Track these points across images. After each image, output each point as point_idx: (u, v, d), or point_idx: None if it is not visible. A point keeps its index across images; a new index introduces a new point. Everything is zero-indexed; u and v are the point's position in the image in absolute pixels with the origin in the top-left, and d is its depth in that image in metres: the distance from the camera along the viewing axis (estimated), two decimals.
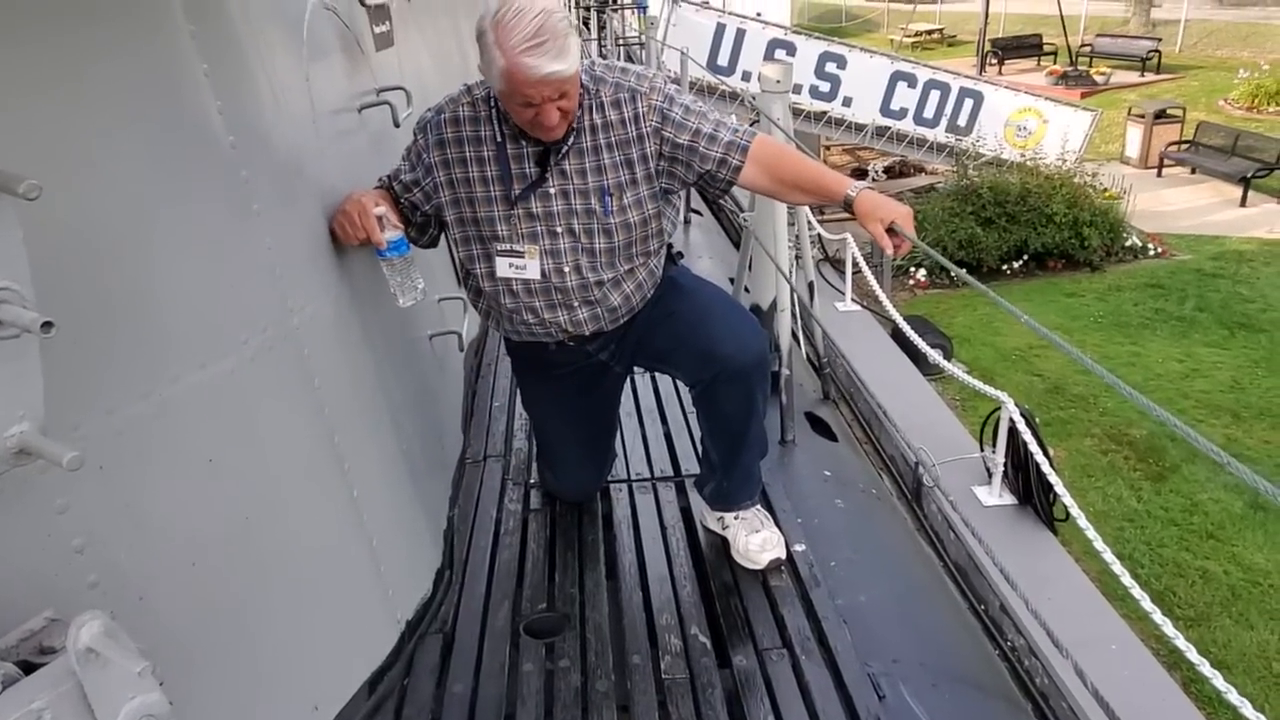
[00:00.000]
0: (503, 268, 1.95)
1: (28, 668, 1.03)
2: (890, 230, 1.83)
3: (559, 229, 1.90)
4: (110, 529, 1.29)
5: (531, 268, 1.93)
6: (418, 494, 2.12)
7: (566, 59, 1.69)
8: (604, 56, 12.03)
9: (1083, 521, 2.31)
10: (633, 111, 1.88)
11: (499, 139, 1.88)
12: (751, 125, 2.37)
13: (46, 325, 0.94)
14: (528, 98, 1.72)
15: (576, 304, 1.97)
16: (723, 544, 2.23)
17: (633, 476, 2.58)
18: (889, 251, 1.88)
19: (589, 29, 17.80)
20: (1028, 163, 11.79)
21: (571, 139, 1.86)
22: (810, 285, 3.74)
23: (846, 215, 1.95)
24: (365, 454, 1.85)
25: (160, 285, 1.37)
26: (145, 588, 1.34)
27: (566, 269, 1.93)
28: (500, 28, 1.66)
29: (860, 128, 13.54)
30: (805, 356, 3.44)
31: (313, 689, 1.66)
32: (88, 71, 1.26)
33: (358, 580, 1.80)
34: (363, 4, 2.41)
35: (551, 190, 1.88)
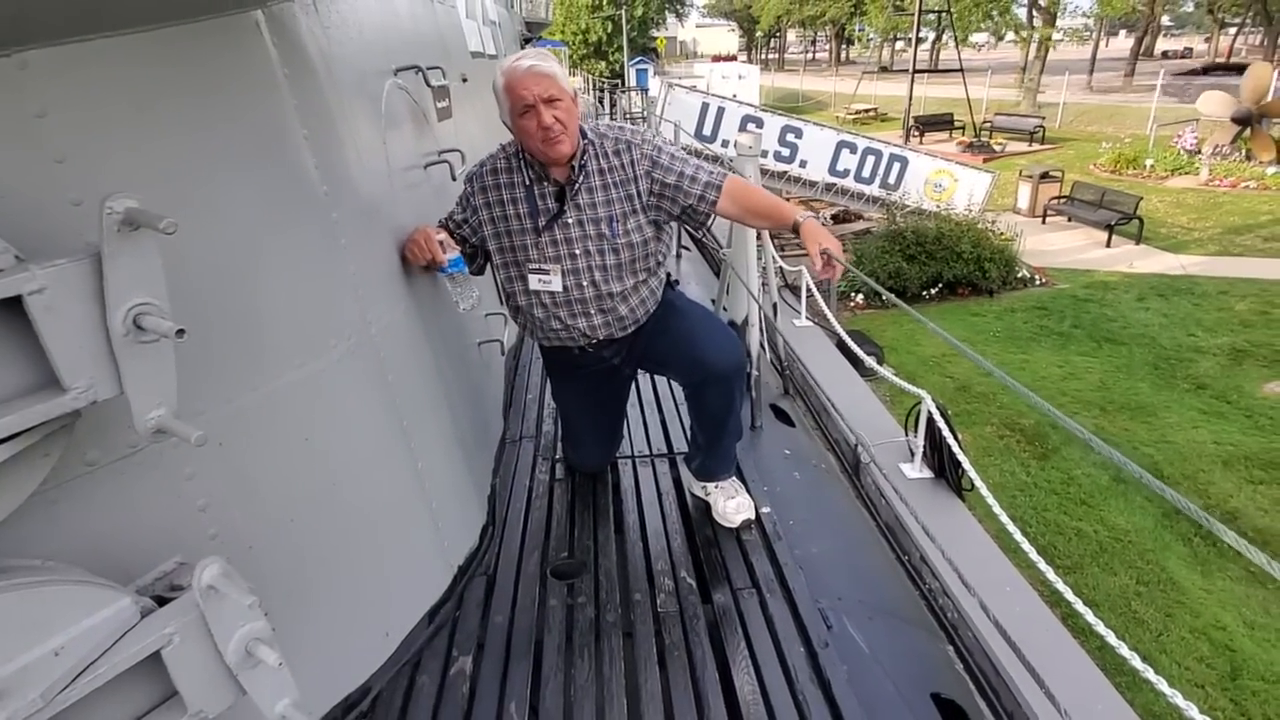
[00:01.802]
0: (533, 282, 1.94)
1: (161, 601, 1.02)
2: (828, 261, 1.82)
3: (577, 251, 1.90)
4: (227, 492, 1.28)
5: (555, 282, 1.92)
6: (468, 466, 2.11)
7: (549, 64, 1.74)
8: None
9: (984, 491, 2.28)
10: (630, 158, 1.88)
11: (527, 183, 1.88)
12: None
13: (180, 332, 0.93)
14: (523, 99, 1.73)
15: (592, 312, 1.96)
16: (706, 507, 2.22)
17: (636, 454, 2.56)
18: (818, 266, 1.86)
19: (604, 105, 17.83)
20: (942, 212, 11.76)
21: (582, 179, 1.86)
22: (774, 306, 3.72)
23: (803, 252, 1.94)
24: (427, 434, 1.83)
25: (268, 301, 1.36)
26: (254, 539, 1.33)
27: (585, 283, 1.92)
28: (502, 69, 1.74)
29: (813, 184, 13.54)
30: (770, 361, 3.42)
31: (384, 619, 1.66)
32: (214, 133, 1.26)
33: (420, 533, 1.79)
34: (428, 85, 2.40)
35: (570, 221, 1.88)
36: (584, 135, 1.86)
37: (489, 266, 2.11)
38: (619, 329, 2.01)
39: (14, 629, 0.87)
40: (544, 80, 1.71)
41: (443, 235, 1.90)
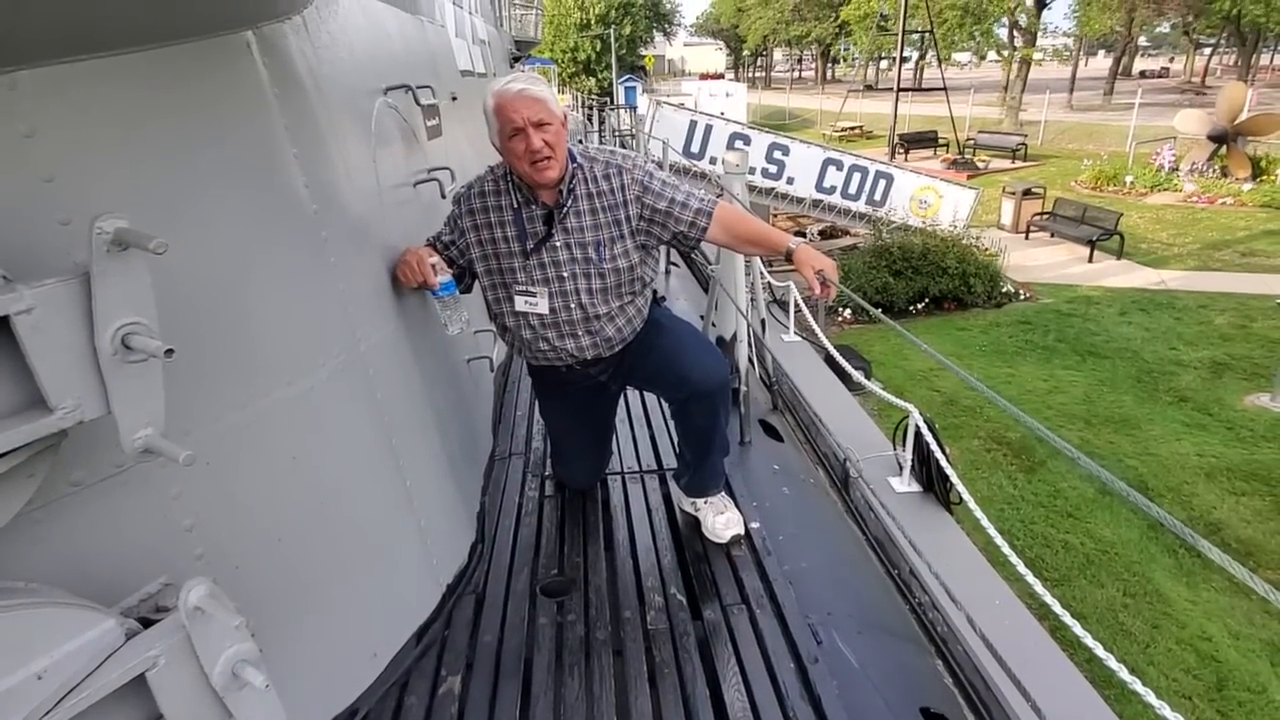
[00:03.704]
0: (520, 304, 1.94)
1: (146, 623, 1.01)
2: (822, 281, 1.84)
3: (564, 274, 1.90)
4: (214, 512, 1.27)
5: (542, 305, 1.92)
6: (457, 483, 2.10)
7: (539, 87, 1.75)
8: (602, 144, 12.04)
9: (972, 504, 2.30)
10: (619, 182, 1.89)
11: (515, 206, 1.88)
12: (718, 197, 2.37)
13: (168, 352, 0.93)
14: (512, 122, 1.73)
15: (580, 333, 1.96)
16: (695, 523, 2.22)
17: (625, 470, 2.56)
18: (817, 291, 1.86)
19: (592, 123, 17.96)
20: (927, 228, 11.89)
21: (570, 203, 1.87)
22: (762, 321, 3.75)
23: (790, 267, 1.96)
24: (416, 452, 1.83)
25: (257, 320, 1.36)
26: (241, 559, 1.32)
27: (572, 305, 1.92)
28: (493, 90, 1.75)
29: (800, 200, 13.65)
30: (759, 376, 3.43)
31: (372, 639, 1.64)
32: (204, 153, 1.26)
33: (408, 551, 1.78)
34: (418, 103, 2.41)
35: (557, 244, 1.88)
36: (573, 159, 1.87)
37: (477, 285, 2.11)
38: (606, 349, 2.01)
39: None
40: (534, 104, 1.72)
41: (435, 258, 1.89)
